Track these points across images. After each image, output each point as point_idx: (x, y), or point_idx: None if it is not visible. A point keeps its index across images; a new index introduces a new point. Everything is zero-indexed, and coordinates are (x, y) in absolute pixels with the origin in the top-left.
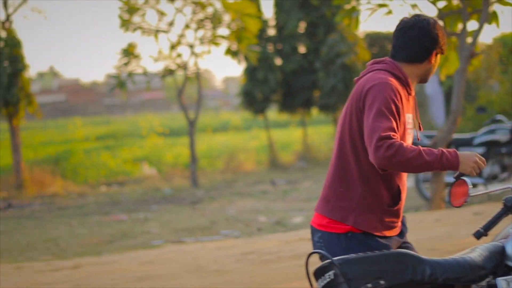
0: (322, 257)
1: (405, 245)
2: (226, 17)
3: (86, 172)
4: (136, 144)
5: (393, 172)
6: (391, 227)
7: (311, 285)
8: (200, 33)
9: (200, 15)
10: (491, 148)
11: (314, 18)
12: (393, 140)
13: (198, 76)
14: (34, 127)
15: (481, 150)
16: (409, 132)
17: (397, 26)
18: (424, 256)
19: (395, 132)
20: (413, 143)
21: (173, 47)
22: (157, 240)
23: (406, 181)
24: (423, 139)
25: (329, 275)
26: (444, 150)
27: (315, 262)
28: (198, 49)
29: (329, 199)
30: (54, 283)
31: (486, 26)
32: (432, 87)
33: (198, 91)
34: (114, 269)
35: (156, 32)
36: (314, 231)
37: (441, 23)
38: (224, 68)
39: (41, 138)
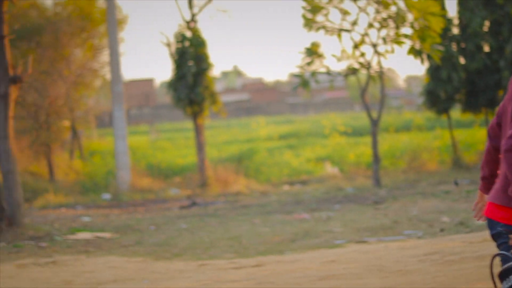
0: (504, 258)
1: None
2: (410, 16)
3: (269, 171)
4: (318, 143)
5: None
6: None
7: (495, 286)
8: (383, 32)
9: (384, 14)
10: None
11: (498, 16)
12: None
13: (381, 75)
14: (218, 126)
15: None
16: None
17: None
18: None
19: None
20: None
21: (356, 46)
22: (340, 239)
23: None
24: None
25: None
26: None
27: (500, 264)
28: (381, 48)
29: (505, 188)
30: (237, 281)
31: None
32: None
33: (381, 90)
34: (296, 267)
35: (340, 31)
36: (493, 223)
37: None
38: (407, 67)
39: (225, 137)
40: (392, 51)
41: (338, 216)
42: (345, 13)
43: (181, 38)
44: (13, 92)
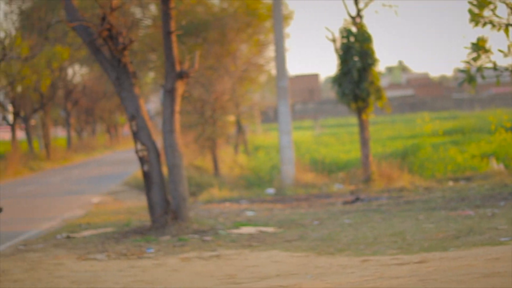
0: None
1: None
2: None
3: (433, 167)
4: (484, 139)
5: None
6: None
7: None
8: None
9: None
10: None
11: None
12: None
13: None
14: (382, 122)
15: None
16: None
17: None
18: None
19: None
20: None
21: None
22: (505, 236)
23: None
24: None
25: None
26: None
27: None
28: None
29: None
30: (400, 277)
31: None
32: None
33: None
34: (460, 264)
35: (507, 26)
36: None
37: None
38: None
39: (389, 133)
40: None
41: (503, 213)
42: None
43: (346, 33)
44: (180, 87)
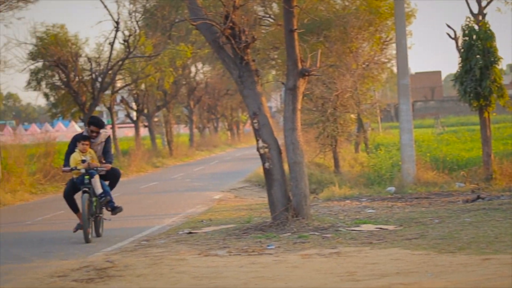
0: None
1: None
2: None
3: None
4: None
5: None
6: None
7: None
8: None
9: None
10: None
11: None
12: None
13: None
14: (504, 120)
15: None
16: None
17: None
18: None
19: None
20: None
21: None
22: None
23: None
24: None
25: None
26: None
27: None
28: None
29: None
30: None
31: None
32: None
33: None
34: None
35: None
36: None
37: None
38: None
39: (511, 131)
40: None
41: None
42: None
43: (468, 31)
44: (301, 85)
